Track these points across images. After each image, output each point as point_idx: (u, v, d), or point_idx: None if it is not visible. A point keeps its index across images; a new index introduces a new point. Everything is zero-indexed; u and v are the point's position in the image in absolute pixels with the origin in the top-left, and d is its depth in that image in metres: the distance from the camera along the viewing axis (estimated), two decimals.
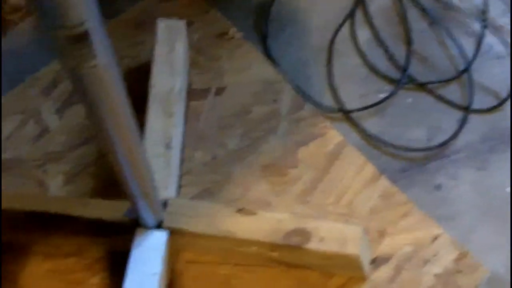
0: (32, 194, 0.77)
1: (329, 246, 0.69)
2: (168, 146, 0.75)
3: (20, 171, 0.82)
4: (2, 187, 0.80)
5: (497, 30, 0.91)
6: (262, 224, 0.70)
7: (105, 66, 0.47)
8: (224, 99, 0.86)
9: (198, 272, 0.77)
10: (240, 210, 0.70)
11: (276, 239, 0.69)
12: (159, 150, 0.75)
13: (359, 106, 0.87)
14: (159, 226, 0.70)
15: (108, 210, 0.71)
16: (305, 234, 0.70)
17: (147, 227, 0.70)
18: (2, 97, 0.87)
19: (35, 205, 0.71)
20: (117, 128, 0.54)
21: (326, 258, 0.70)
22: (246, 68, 0.88)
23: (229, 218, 0.70)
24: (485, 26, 0.91)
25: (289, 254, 0.71)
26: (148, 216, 0.69)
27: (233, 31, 0.90)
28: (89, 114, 0.53)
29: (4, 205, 0.70)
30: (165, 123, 0.77)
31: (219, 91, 0.87)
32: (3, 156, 0.83)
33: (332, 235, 0.70)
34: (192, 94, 0.86)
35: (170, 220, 0.70)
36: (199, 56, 0.89)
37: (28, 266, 0.75)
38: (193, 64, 0.88)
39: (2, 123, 0.85)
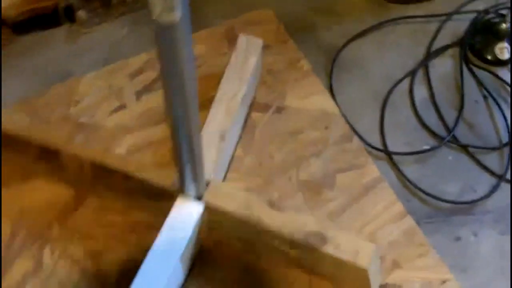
0: (97, 149, 0.87)
1: (342, 254, 0.75)
2: (222, 138, 0.84)
3: (92, 135, 0.93)
4: (74, 143, 0.91)
5: None
6: (288, 220, 0.77)
7: (181, 22, 0.55)
8: (281, 117, 0.96)
9: (224, 254, 0.85)
10: (272, 204, 0.78)
11: (297, 236, 0.76)
12: (214, 140, 0.84)
13: (403, 151, 0.95)
14: (199, 199, 0.79)
15: (160, 176, 0.80)
16: (323, 238, 0.76)
17: (188, 197, 0.78)
18: (95, 71, 1.00)
19: (98, 157, 0.81)
20: (181, 87, 0.62)
21: (338, 266, 0.76)
22: (308, 95, 0.98)
23: (261, 207, 0.78)
24: None
25: (305, 254, 0.78)
26: (191, 188, 0.77)
27: (303, 62, 1.00)
28: (161, 69, 0.62)
29: (72, 151, 0.81)
30: (224, 120, 0.86)
31: (279, 109, 0.96)
32: (81, 119, 0.95)
33: (348, 244, 0.76)
34: (255, 106, 0.96)
35: (209, 196, 0.79)
36: (269, 76, 0.99)
37: (86, 215, 0.86)
38: (262, 82, 0.98)
39: (91, 92, 0.97)
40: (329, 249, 0.76)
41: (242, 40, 0.92)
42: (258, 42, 0.92)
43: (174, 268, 0.76)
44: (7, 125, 0.85)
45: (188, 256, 0.78)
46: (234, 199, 0.80)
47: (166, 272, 0.75)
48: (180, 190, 0.79)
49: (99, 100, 0.96)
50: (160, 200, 0.80)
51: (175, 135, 0.69)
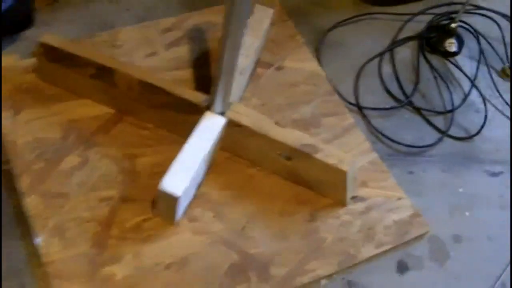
0: (144, 70, 1.09)
1: (329, 160, 1.00)
2: (241, 73, 1.08)
3: None
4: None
5: (480, 93, 1.27)
6: (290, 134, 1.02)
7: None
8: (281, 73, 1.21)
9: (232, 168, 1.08)
10: (277, 123, 1.02)
11: (296, 145, 1.00)
12: (235, 74, 1.07)
13: (371, 107, 1.21)
14: (222, 115, 1.02)
15: (192, 95, 1.03)
16: (316, 149, 1.01)
17: (214, 113, 1.01)
18: (132, 26, 1.22)
19: (145, 76, 1.03)
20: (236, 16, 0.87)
21: (324, 170, 1.00)
22: (302, 60, 1.23)
23: (269, 124, 1.02)
24: (472, 87, 1.27)
25: (300, 162, 1.01)
26: (218, 105, 1.00)
27: (299, 37, 1.26)
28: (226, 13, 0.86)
29: (125, 70, 1.03)
30: (243, 60, 1.10)
31: (279, 68, 1.21)
32: (121, 59, 1.15)
33: (334, 155, 1.00)
34: (260, 64, 1.21)
35: (230, 113, 1.02)
36: (271, 44, 1.24)
37: (125, 128, 1.07)
38: (266, 48, 1.23)
39: (129, 40, 1.19)
40: (319, 156, 1.00)
41: (258, 8, 1.17)
42: (270, 11, 1.18)
43: (199, 164, 0.98)
44: (70, 45, 1.06)
45: (209, 160, 1.01)
46: (249, 116, 1.03)
47: (194, 167, 0.97)
48: (207, 108, 1.02)
49: (136, 46, 1.19)
50: (191, 114, 1.03)
51: (222, 56, 0.92)
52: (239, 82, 1.08)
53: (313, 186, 1.06)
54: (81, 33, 1.21)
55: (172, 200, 0.94)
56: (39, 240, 0.95)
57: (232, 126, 1.04)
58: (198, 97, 1.04)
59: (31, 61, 1.13)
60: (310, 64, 1.24)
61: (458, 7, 1.36)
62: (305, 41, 1.27)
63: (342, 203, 1.06)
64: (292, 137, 1.03)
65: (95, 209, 1.00)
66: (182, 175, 0.96)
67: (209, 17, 1.27)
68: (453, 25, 1.31)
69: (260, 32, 1.15)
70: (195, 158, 0.98)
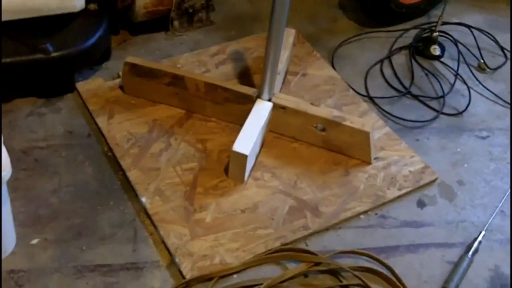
0: (207, 75, 1.42)
1: (355, 125, 1.31)
2: (279, 73, 1.40)
3: None
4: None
5: (463, 82, 1.61)
6: (323, 110, 1.34)
7: None
8: (306, 79, 1.55)
9: (279, 143, 1.39)
10: (311, 103, 1.33)
11: (328, 116, 1.32)
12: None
13: (379, 96, 1.54)
14: (269, 101, 1.33)
15: (245, 88, 1.35)
16: (343, 118, 1.33)
17: (263, 100, 1.33)
18: (187, 54, 1.56)
19: (208, 79, 1.35)
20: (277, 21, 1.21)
21: (351, 133, 1.31)
22: (320, 68, 1.58)
23: (306, 104, 1.35)
24: (457, 78, 1.60)
25: (332, 130, 1.32)
26: (265, 93, 1.33)
27: (316, 52, 1.61)
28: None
29: (192, 76, 1.35)
30: (280, 65, 1.42)
31: (304, 75, 1.56)
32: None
33: (358, 121, 1.33)
34: (289, 73, 1.55)
35: (275, 99, 1.35)
36: (296, 58, 1.59)
37: (194, 122, 1.38)
38: (292, 62, 1.57)
39: (187, 63, 1.53)
40: (347, 123, 1.32)
41: (287, 30, 1.52)
42: (292, 31, 1.54)
43: (258, 134, 1.29)
44: (148, 62, 1.40)
45: (262, 135, 1.32)
46: (290, 100, 1.36)
47: (254, 136, 1.28)
48: (258, 96, 1.34)
49: (193, 67, 1.53)
50: (245, 103, 1.34)
51: (268, 56, 1.26)
52: (277, 80, 1.41)
53: (343, 150, 1.37)
54: None
55: (242, 159, 1.24)
56: (144, 199, 1.24)
57: (277, 109, 1.36)
58: (249, 90, 1.37)
59: (114, 82, 1.48)
60: (327, 71, 1.59)
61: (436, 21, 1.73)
62: (320, 56, 1.63)
63: (367, 161, 1.36)
64: (325, 111, 1.35)
65: (182, 176, 1.29)
66: (247, 140, 1.26)
67: (243, 44, 1.63)
68: (434, 34, 1.67)
69: (288, 45, 1.50)
70: (254, 130, 1.29)
